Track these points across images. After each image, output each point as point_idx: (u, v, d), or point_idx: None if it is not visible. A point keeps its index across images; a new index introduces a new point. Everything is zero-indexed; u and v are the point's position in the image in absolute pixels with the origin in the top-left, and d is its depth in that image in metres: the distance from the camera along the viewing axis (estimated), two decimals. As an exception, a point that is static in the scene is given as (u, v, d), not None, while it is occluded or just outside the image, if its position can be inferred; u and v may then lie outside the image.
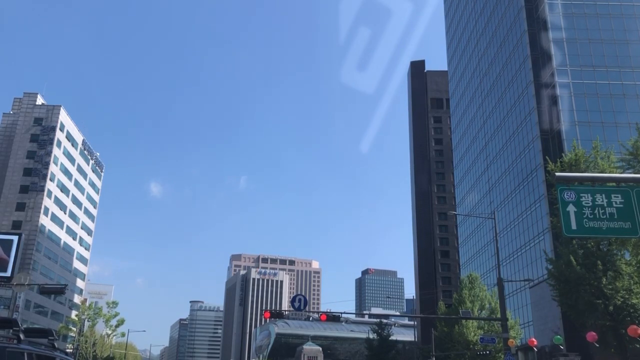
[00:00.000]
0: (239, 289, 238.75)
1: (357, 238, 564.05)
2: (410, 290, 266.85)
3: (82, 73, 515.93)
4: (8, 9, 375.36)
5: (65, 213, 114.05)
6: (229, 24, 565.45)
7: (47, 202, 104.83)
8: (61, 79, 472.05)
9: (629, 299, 31.18)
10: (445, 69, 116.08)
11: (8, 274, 50.02)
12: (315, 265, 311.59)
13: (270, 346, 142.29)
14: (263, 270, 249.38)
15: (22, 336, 8.64)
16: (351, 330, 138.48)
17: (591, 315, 32.18)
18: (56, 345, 10.26)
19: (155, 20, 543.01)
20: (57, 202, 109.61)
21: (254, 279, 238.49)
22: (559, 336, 34.67)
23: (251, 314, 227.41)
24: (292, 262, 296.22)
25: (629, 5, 67.26)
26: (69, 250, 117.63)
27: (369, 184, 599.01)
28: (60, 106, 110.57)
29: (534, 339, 34.30)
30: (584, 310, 32.54)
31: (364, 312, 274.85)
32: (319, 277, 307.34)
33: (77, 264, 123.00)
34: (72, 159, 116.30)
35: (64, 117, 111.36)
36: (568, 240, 33.84)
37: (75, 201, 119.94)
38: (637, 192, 11.02)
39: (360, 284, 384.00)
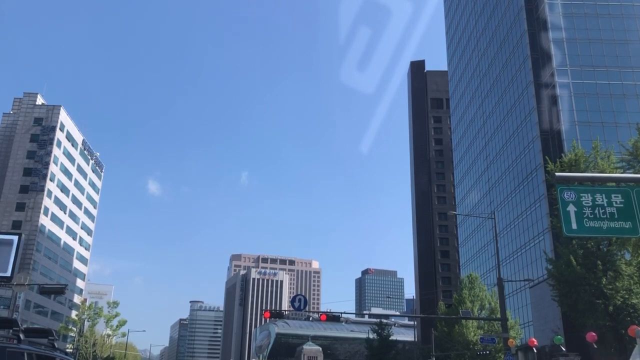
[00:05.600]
0: (239, 289, 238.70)
1: (357, 238, 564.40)
2: (410, 290, 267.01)
3: (82, 73, 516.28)
4: (8, 8, 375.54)
5: (65, 213, 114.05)
6: (229, 24, 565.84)
7: (47, 202, 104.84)
8: (61, 79, 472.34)
9: (629, 299, 31.20)
10: (445, 69, 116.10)
11: (8, 273, 50.01)
12: (315, 265, 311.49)
13: (270, 346, 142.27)
14: (263, 270, 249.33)
15: (22, 336, 8.65)
16: (351, 330, 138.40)
17: (591, 315, 32.18)
18: (56, 345, 10.26)
19: (155, 20, 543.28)
20: (57, 202, 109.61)
21: (253, 279, 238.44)
22: (559, 336, 34.64)
23: (251, 314, 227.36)
24: (292, 262, 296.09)
25: (629, 5, 67.28)
26: (69, 250, 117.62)
27: (369, 184, 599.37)
28: (60, 106, 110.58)
29: (534, 339, 34.27)
30: (584, 311, 32.55)
31: (364, 312, 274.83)
32: (319, 277, 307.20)
33: (77, 264, 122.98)
34: (72, 159, 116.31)
35: (64, 117, 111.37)
36: (568, 240, 33.85)
37: (75, 201, 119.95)
38: (637, 192, 11.03)
39: (360, 284, 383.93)
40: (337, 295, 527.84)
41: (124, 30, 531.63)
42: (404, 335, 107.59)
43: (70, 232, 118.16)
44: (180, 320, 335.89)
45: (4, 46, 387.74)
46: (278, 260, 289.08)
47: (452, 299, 67.31)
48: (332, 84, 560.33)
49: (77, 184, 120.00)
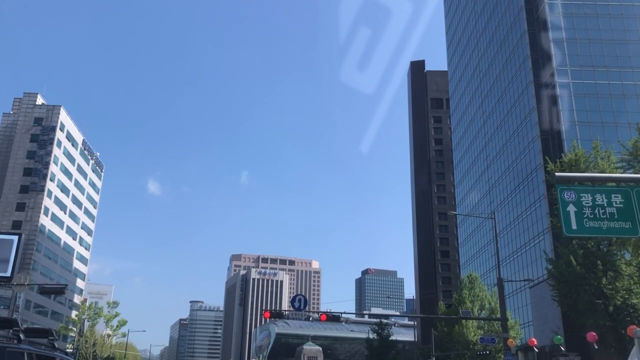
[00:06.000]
0: (239, 289, 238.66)
1: (357, 238, 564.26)
2: (410, 290, 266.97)
3: (82, 73, 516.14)
4: (8, 8, 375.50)
5: (65, 213, 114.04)
6: (229, 24, 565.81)
7: (47, 202, 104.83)
8: (61, 79, 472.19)
9: (629, 299, 31.21)
10: (445, 69, 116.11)
11: (8, 273, 50.00)
12: (315, 265, 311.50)
13: (270, 346, 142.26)
14: (263, 270, 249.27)
15: (22, 336, 8.65)
16: (351, 330, 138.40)
17: (591, 315, 32.19)
18: (56, 345, 10.27)
19: (155, 20, 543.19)
20: (57, 202, 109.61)
21: (254, 279, 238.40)
22: (559, 336, 34.64)
23: (251, 314, 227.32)
24: (292, 262, 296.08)
25: (629, 5, 67.28)
26: (69, 250, 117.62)
27: (369, 184, 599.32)
28: (60, 106, 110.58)
29: (534, 339, 34.27)
30: (584, 311, 32.57)
31: (364, 312, 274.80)
32: (319, 277, 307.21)
33: (77, 264, 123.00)
34: (72, 159, 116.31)
35: (64, 117, 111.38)
36: (568, 240, 33.86)
37: (75, 201, 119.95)
38: (637, 192, 11.02)
39: (360, 284, 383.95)
40: (337, 295, 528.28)
41: (124, 30, 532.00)
42: (404, 335, 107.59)
43: (70, 232, 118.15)
44: (180, 320, 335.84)
45: (4, 46, 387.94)
46: (278, 260, 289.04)
47: (452, 299, 67.30)
48: (332, 84, 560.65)
49: (77, 184, 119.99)
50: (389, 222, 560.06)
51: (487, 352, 50.65)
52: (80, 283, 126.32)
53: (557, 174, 11.30)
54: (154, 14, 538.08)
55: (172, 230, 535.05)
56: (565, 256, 33.74)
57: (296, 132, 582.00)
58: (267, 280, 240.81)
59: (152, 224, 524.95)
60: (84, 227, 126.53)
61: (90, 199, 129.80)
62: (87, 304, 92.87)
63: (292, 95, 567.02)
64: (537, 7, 69.86)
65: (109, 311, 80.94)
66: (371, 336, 77.14)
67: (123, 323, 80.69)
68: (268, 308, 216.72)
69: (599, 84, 62.66)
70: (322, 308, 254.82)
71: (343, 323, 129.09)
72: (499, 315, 39.39)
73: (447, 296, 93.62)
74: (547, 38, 65.89)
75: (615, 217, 10.84)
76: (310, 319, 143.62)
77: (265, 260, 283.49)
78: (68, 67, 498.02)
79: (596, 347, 28.82)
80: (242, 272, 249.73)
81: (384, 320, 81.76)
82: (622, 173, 28.76)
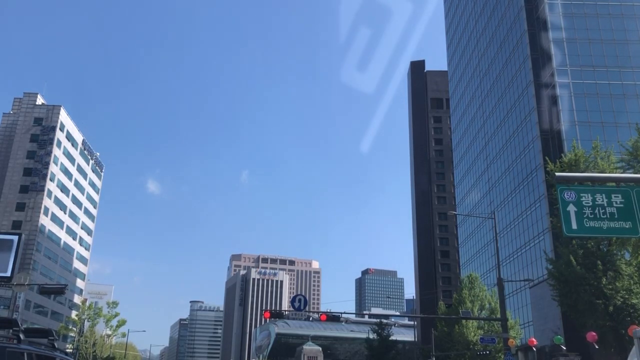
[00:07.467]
0: (239, 289, 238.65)
1: (357, 238, 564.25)
2: (410, 290, 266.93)
3: (82, 73, 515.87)
4: (8, 8, 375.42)
5: (65, 213, 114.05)
6: (230, 24, 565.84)
7: (47, 202, 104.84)
8: (61, 79, 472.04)
9: (629, 299, 31.21)
10: (445, 69, 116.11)
11: (8, 273, 49.93)
12: (315, 265, 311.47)
13: (270, 346, 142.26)
14: (263, 270, 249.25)
15: (22, 336, 8.65)
16: (351, 330, 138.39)
17: (591, 315, 32.19)
18: (56, 345, 10.26)
19: (155, 20, 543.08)
20: (57, 202, 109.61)
21: (254, 279, 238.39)
22: (559, 336, 34.64)
23: (251, 314, 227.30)
24: (292, 262, 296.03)
25: (629, 5, 67.30)
26: (69, 250, 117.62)
27: (369, 184, 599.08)
28: (60, 106, 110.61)
29: (534, 339, 34.26)
30: (584, 311, 32.57)
31: (364, 312, 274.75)
32: (319, 277, 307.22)
33: (77, 264, 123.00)
34: (72, 159, 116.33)
35: (64, 117, 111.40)
36: (568, 240, 33.87)
37: (75, 201, 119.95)
38: (637, 192, 11.02)
39: (360, 284, 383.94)
40: (337, 295, 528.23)
41: (123, 30, 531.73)
42: (404, 335, 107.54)
43: (70, 232, 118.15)
44: (180, 320, 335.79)
45: (4, 46, 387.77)
46: (278, 260, 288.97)
47: (452, 299, 67.31)
48: (332, 84, 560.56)
49: (77, 184, 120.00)
50: (389, 222, 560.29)
51: (487, 352, 50.67)
52: (80, 283, 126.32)
53: (557, 174, 11.30)
54: (154, 14, 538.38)
55: (172, 230, 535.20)
56: (565, 256, 33.75)
57: (296, 131, 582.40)
58: (267, 280, 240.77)
59: (152, 223, 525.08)
60: (84, 227, 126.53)
61: (90, 198, 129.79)
62: (87, 304, 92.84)
63: (292, 95, 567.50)
64: (537, 7, 69.86)
65: (108, 311, 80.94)
66: (371, 336, 77.09)
67: (123, 323, 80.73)
68: (268, 308, 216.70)
69: (599, 84, 62.67)
70: (322, 308, 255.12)
71: (343, 323, 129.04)
72: (499, 315, 39.40)
73: (447, 296, 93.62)
74: (547, 38, 65.89)
75: (616, 217, 10.84)
76: (310, 319, 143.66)
77: (265, 260, 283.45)
78: (68, 67, 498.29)
79: (596, 347, 28.83)
80: (242, 272, 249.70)
81: (384, 320, 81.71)
82: (622, 173, 28.76)
